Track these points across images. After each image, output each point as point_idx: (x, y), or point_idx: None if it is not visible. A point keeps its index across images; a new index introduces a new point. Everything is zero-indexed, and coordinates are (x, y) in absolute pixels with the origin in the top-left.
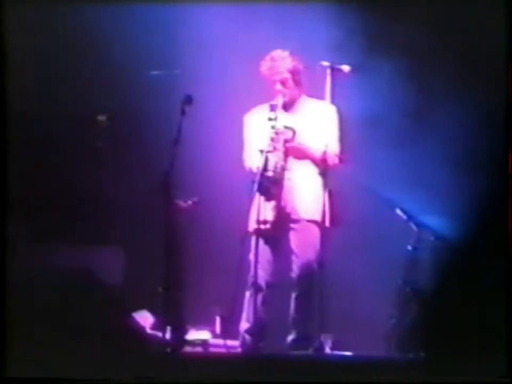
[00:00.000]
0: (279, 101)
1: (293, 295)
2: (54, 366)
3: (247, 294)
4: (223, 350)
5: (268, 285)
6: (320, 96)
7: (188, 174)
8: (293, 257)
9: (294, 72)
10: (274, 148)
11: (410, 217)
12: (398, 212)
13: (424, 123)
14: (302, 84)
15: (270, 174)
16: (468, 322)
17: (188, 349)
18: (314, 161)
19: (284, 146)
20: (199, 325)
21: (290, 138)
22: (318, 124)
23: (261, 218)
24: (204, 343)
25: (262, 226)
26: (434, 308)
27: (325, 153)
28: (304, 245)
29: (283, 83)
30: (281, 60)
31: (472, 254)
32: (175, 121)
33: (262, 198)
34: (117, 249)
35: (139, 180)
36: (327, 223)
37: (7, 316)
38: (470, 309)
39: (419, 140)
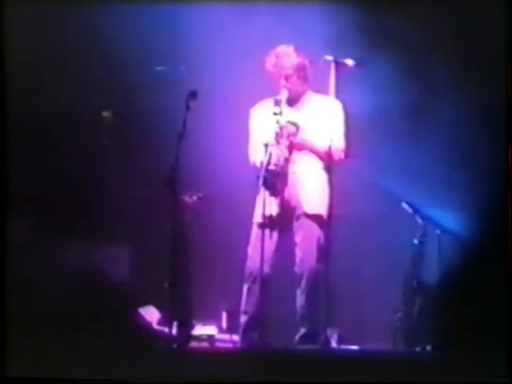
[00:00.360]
0: (284, 95)
1: (298, 290)
2: (54, 366)
3: (252, 288)
4: (229, 345)
5: (273, 279)
6: (325, 91)
7: (193, 169)
8: (298, 252)
9: (299, 68)
10: (279, 143)
11: (416, 211)
12: (404, 205)
13: (429, 118)
14: (307, 79)
15: (274, 168)
16: (468, 321)
17: (194, 344)
18: (319, 156)
19: (288, 140)
20: (205, 320)
21: (294, 133)
22: (323, 119)
23: (266, 212)
24: (210, 338)
25: (267, 221)
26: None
27: (330, 148)
28: (309, 239)
29: (287, 79)
30: (285, 56)
31: (473, 252)
32: (180, 117)
33: (267, 192)
34: (123, 245)
35: (144, 175)
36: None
37: (7, 315)
38: (470, 309)
39: (424, 134)
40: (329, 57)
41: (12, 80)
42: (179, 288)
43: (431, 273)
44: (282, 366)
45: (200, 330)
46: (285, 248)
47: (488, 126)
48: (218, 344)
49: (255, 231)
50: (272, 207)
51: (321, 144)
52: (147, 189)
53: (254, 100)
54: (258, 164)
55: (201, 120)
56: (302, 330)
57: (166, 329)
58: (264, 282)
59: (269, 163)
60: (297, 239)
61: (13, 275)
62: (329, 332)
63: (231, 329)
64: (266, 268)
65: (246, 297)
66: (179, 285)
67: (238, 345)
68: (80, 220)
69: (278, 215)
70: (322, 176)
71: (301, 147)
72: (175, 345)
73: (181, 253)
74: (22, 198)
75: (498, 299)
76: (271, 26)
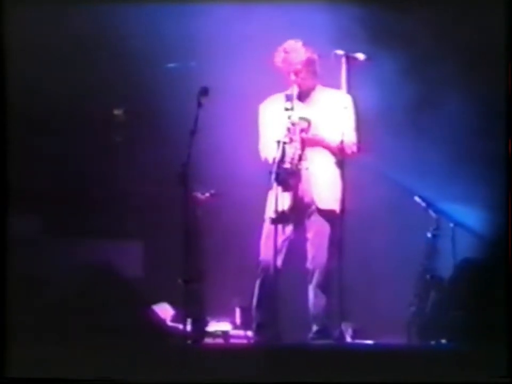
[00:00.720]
0: (294, 90)
1: (311, 286)
2: (54, 366)
3: (265, 283)
4: (243, 341)
5: (286, 274)
6: (334, 85)
7: (205, 166)
8: (310, 247)
9: (308, 63)
10: (291, 139)
11: (429, 204)
12: (417, 199)
13: (441, 112)
14: (317, 74)
15: (287, 165)
16: (468, 321)
17: (208, 340)
18: (331, 151)
19: (300, 136)
20: (219, 316)
21: (305, 128)
22: (334, 113)
23: (279, 208)
24: (225, 334)
25: (280, 216)
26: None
27: (342, 142)
28: (321, 235)
29: (297, 74)
30: (294, 52)
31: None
32: (192, 113)
33: (280, 188)
34: (136, 242)
35: (156, 172)
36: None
37: (7, 315)
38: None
39: (436, 128)
40: (340, 52)
41: (12, 80)
42: (192, 284)
43: (445, 266)
44: (297, 361)
45: (214, 326)
46: (297, 244)
47: (492, 122)
48: (232, 340)
49: (267, 227)
50: (285, 203)
51: (333, 139)
52: (159, 186)
53: (265, 95)
54: (270, 160)
55: (212, 116)
56: (316, 326)
57: (180, 326)
58: (277, 277)
59: (282, 161)
60: (310, 235)
61: (13, 274)
62: (343, 326)
63: (245, 325)
64: (279, 263)
65: (259, 293)
66: (192, 282)
67: (252, 341)
68: (94, 217)
69: (291, 210)
70: (335, 171)
71: (313, 142)
72: (189, 342)
73: (194, 250)
74: (38, 196)
75: (497, 300)
76: (279, 22)
